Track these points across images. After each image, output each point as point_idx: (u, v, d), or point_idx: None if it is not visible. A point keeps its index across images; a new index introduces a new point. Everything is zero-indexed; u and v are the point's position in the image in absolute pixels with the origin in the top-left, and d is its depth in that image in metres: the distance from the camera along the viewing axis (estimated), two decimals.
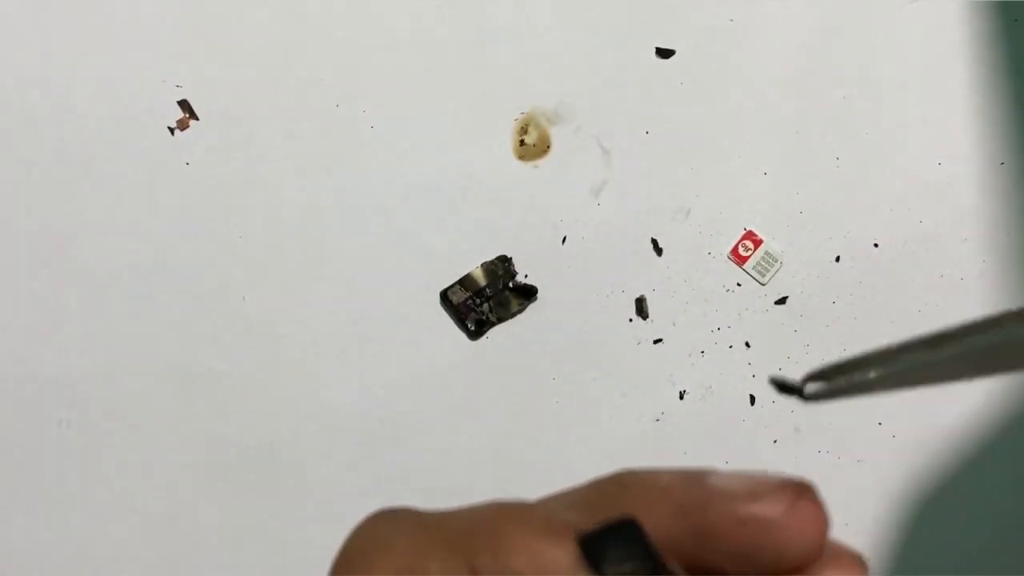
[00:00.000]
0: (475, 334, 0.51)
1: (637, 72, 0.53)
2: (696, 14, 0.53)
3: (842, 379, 0.24)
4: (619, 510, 0.19)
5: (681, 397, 0.50)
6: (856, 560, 0.21)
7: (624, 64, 0.53)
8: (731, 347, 0.51)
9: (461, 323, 0.52)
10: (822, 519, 0.19)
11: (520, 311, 0.52)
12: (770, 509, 0.19)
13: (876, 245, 0.52)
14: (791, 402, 0.52)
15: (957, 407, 0.51)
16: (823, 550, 0.20)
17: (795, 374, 0.22)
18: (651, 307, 0.52)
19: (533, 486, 0.31)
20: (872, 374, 0.24)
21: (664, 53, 0.53)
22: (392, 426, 0.51)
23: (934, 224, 0.52)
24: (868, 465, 0.52)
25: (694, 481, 0.20)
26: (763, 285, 0.51)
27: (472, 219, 0.52)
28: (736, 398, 0.52)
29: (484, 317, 0.51)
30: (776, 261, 0.51)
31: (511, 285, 0.52)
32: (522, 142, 0.53)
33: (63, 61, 0.52)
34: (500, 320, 0.52)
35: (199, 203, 0.52)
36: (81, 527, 0.50)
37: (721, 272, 0.52)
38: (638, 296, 0.52)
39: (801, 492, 0.19)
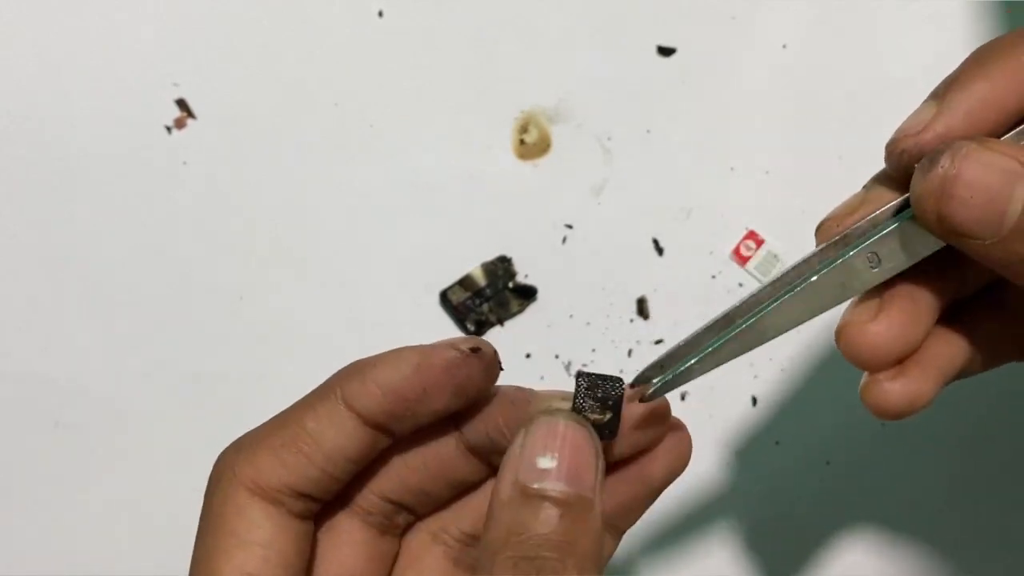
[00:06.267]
0: (475, 335, 0.51)
1: (638, 70, 0.53)
2: (697, 12, 0.53)
3: (667, 374, 0.29)
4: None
5: (683, 398, 0.50)
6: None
7: (625, 62, 0.53)
8: None
9: (461, 323, 0.51)
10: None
11: (520, 311, 0.52)
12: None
13: None
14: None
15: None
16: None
17: None
18: (652, 307, 0.52)
19: None
20: (693, 361, 0.29)
21: (665, 51, 0.53)
22: None
23: None
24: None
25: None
26: None
27: (472, 219, 0.52)
28: (738, 399, 0.51)
29: (484, 317, 0.51)
30: (778, 261, 0.51)
31: (511, 285, 0.52)
32: (522, 141, 0.52)
33: (58, 59, 0.52)
34: (500, 320, 0.51)
35: (196, 202, 0.52)
36: (79, 529, 0.50)
37: (723, 272, 0.52)
38: (639, 296, 0.52)
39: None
